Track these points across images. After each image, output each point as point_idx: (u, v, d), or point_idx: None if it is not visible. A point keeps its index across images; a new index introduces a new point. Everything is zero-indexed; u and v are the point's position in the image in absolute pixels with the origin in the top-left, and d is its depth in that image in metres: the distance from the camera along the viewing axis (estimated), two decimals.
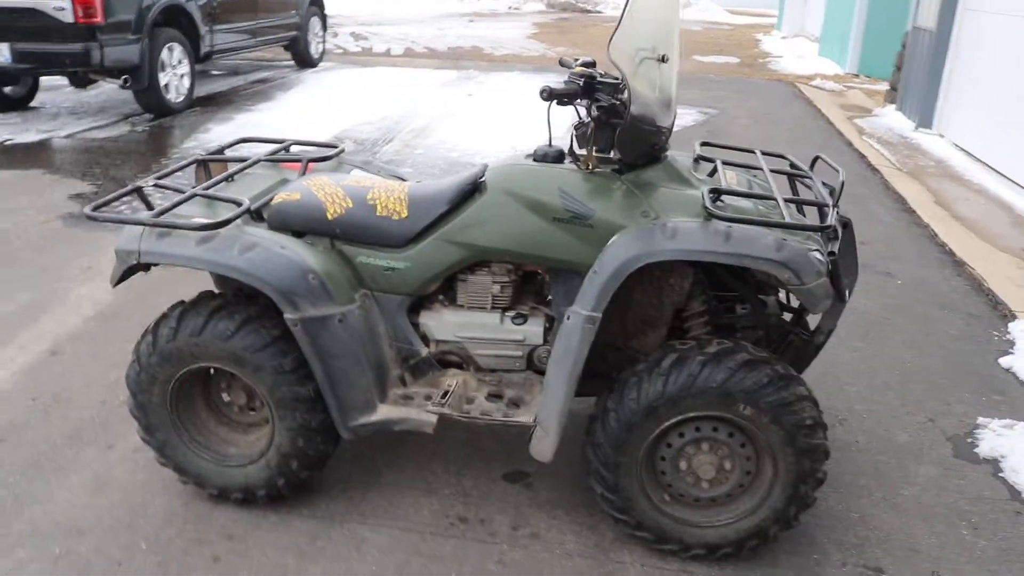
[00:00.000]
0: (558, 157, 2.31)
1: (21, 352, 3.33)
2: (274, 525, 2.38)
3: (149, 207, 2.32)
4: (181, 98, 7.75)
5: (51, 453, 2.70)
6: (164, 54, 7.40)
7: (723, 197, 2.18)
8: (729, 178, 2.57)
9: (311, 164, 2.78)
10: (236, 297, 2.33)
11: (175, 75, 7.63)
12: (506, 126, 7.38)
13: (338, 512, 2.44)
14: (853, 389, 3.17)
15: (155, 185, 2.48)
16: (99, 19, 6.57)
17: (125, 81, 7.12)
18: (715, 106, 8.50)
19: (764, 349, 2.59)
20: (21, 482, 2.56)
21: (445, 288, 2.43)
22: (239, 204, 2.32)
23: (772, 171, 2.55)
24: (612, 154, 2.23)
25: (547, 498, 2.51)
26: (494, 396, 2.41)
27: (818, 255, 2.03)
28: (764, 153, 2.71)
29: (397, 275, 2.37)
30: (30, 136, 6.82)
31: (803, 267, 1.99)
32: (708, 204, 2.02)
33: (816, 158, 2.57)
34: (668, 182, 2.23)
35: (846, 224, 2.19)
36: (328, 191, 2.42)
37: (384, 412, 2.32)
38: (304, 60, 10.51)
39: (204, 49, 8.09)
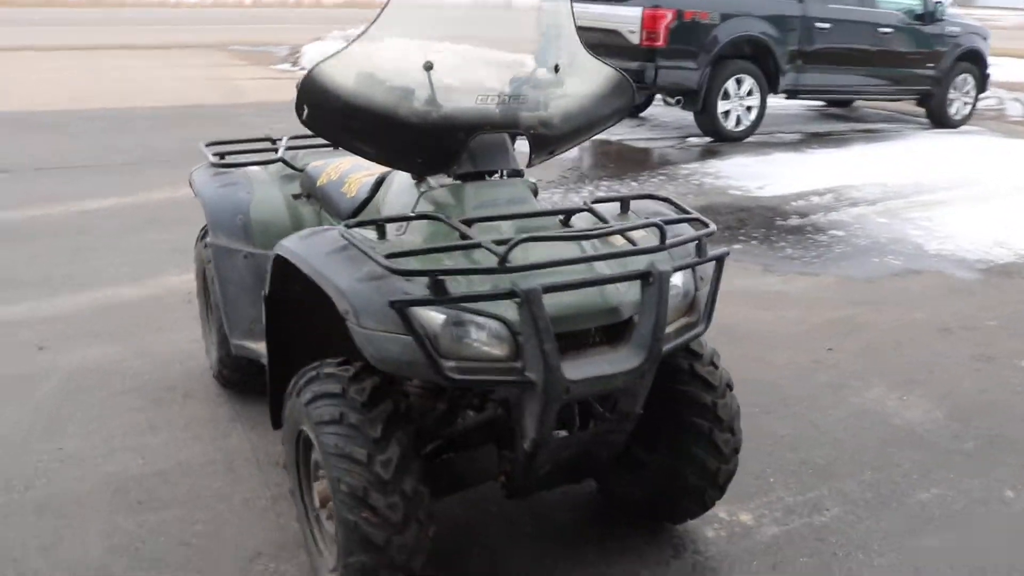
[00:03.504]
0: None
1: None
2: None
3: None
4: (741, 127, 8.08)
5: None
6: (731, 84, 7.84)
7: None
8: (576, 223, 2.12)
9: None
10: None
11: (740, 105, 8.00)
12: None
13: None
14: None
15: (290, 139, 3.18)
16: (660, 43, 7.40)
17: (678, 102, 7.84)
18: None
19: None
20: None
21: None
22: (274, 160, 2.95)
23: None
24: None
25: None
26: None
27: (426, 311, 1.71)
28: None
29: None
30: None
31: (363, 307, 1.73)
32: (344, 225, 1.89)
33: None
34: (443, 205, 2.05)
35: (512, 292, 1.69)
36: (337, 167, 2.82)
37: (260, 346, 2.70)
38: (939, 119, 9.54)
39: (784, 85, 8.22)
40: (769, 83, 8.11)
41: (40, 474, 2.59)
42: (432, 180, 2.16)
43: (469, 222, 1.92)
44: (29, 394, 3.04)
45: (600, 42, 7.80)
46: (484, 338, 1.76)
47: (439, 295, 1.68)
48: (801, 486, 2.68)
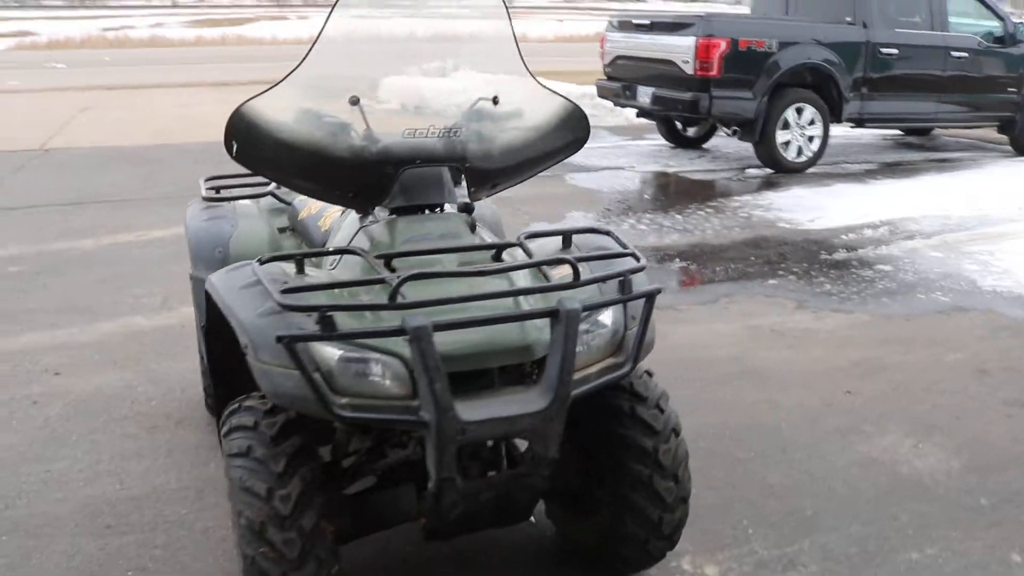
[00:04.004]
0: None
1: None
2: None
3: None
4: (802, 158, 7.82)
5: None
6: (790, 113, 7.62)
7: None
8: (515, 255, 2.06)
9: None
10: None
11: (801, 135, 7.76)
12: None
13: None
14: None
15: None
16: (715, 73, 7.26)
17: (734, 132, 7.67)
18: None
19: None
20: None
21: None
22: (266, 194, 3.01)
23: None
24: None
25: None
26: None
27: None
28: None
29: None
30: (647, 166, 8.04)
31: (260, 341, 1.73)
32: (263, 257, 1.90)
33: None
34: (377, 239, 2.04)
35: (401, 329, 1.66)
36: (318, 203, 2.86)
37: None
38: (1022, 147, 9.03)
39: (848, 113, 7.93)
40: (832, 112, 7.84)
41: (23, 494, 2.68)
42: (379, 213, 2.16)
43: (390, 257, 1.91)
44: (34, 418, 3.16)
45: (654, 72, 7.76)
46: (383, 375, 1.74)
47: (327, 331, 1.66)
48: (780, 539, 2.53)
